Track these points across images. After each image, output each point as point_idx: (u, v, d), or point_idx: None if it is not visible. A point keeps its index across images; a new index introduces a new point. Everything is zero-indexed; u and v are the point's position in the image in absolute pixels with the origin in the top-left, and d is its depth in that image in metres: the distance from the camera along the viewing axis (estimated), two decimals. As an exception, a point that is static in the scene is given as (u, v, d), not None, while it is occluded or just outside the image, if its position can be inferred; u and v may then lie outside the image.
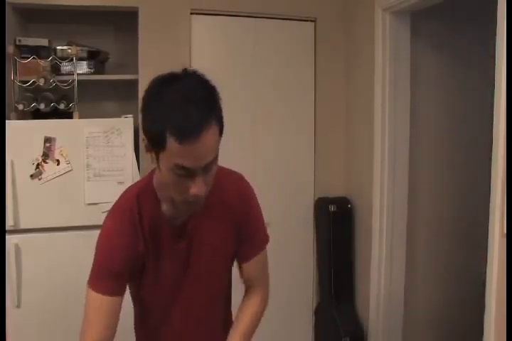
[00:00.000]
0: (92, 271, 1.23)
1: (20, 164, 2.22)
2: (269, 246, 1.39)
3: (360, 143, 2.92)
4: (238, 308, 1.37)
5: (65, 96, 2.56)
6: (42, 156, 2.25)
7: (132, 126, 2.36)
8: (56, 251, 2.28)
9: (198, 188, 1.07)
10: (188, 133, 0.99)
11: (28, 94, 2.57)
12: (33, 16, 2.84)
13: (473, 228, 2.78)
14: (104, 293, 1.19)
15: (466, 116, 2.87)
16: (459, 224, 2.89)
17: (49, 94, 2.57)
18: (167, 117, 1.01)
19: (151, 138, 1.06)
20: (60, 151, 2.27)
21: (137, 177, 2.34)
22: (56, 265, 2.28)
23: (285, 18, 2.95)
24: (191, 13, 2.80)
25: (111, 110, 2.97)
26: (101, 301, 1.19)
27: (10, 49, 2.43)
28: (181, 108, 1.00)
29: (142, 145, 1.13)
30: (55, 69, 2.60)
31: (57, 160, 2.27)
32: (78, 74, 2.56)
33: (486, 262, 1.75)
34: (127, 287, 1.28)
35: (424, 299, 2.87)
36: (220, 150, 1.11)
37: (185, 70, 1.11)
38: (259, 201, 1.37)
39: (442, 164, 2.87)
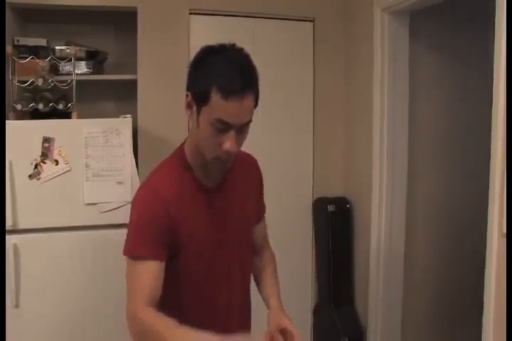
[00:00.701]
0: (129, 240, 1.30)
1: (18, 164, 2.21)
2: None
3: (359, 143, 2.92)
4: (258, 269, 1.54)
5: (64, 96, 2.56)
6: (41, 156, 2.24)
7: (131, 126, 2.36)
8: (55, 251, 2.27)
9: (230, 144, 1.21)
10: (233, 93, 1.16)
11: (27, 94, 2.57)
12: (31, 16, 2.84)
13: (471, 227, 2.78)
14: (153, 259, 1.24)
15: (466, 116, 2.87)
16: (457, 224, 2.89)
17: (48, 94, 2.57)
18: (214, 77, 1.17)
19: (196, 94, 1.22)
20: (59, 151, 2.26)
21: (136, 178, 2.34)
22: (55, 265, 2.27)
23: (284, 18, 2.96)
24: (190, 13, 2.80)
25: (110, 110, 2.97)
26: (146, 266, 1.24)
27: (8, 49, 2.42)
28: (228, 72, 1.18)
29: (185, 104, 1.27)
30: (54, 70, 2.60)
31: (56, 160, 2.26)
32: (77, 74, 2.56)
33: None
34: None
35: (423, 299, 2.88)
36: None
37: (233, 44, 1.30)
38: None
39: (441, 164, 2.87)
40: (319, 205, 2.98)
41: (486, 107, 1.77)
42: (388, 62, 2.61)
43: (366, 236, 2.78)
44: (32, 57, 2.48)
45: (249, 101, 1.21)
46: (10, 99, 2.46)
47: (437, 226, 2.88)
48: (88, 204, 2.30)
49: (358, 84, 2.92)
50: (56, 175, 2.26)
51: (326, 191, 3.02)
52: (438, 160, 2.87)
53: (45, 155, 2.25)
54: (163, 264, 1.27)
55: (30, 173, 2.23)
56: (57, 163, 2.26)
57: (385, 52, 2.60)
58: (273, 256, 1.60)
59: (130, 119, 2.37)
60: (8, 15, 2.54)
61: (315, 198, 3.03)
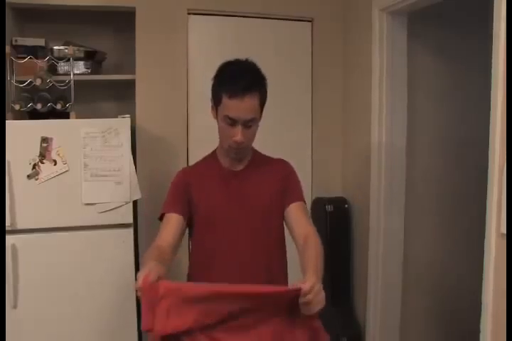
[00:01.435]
0: (164, 204, 1.67)
1: (17, 164, 2.21)
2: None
3: (357, 143, 2.92)
4: (300, 254, 1.55)
5: (62, 96, 2.56)
6: (39, 156, 2.24)
7: (129, 126, 2.36)
8: (53, 251, 2.27)
9: (237, 137, 1.54)
10: (235, 94, 1.49)
11: (25, 94, 2.57)
12: (29, 16, 2.84)
13: (471, 227, 2.78)
14: (173, 212, 1.61)
15: (465, 116, 2.87)
16: (456, 224, 2.89)
17: (46, 94, 2.57)
18: (225, 83, 1.54)
19: (214, 97, 1.58)
20: (57, 151, 2.26)
21: (134, 178, 2.34)
22: (53, 265, 2.27)
23: (282, 18, 2.96)
24: (188, 13, 2.80)
25: (108, 110, 2.97)
26: (170, 217, 1.61)
27: (7, 49, 2.42)
28: (235, 77, 1.52)
29: (211, 107, 1.63)
30: (52, 70, 2.59)
31: (54, 161, 2.26)
32: (75, 74, 2.55)
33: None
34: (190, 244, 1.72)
35: (421, 299, 2.88)
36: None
37: (246, 59, 1.61)
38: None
39: (440, 164, 2.87)
40: (318, 205, 2.98)
41: (484, 107, 1.77)
42: (386, 62, 2.61)
43: (365, 236, 2.79)
44: (30, 57, 2.48)
45: (250, 100, 1.51)
46: (8, 99, 2.45)
47: (436, 225, 2.88)
48: (86, 204, 2.30)
49: (356, 84, 2.92)
50: (54, 175, 2.26)
51: (325, 191, 3.02)
52: (436, 160, 2.87)
53: (43, 155, 2.25)
54: (181, 217, 1.60)
55: (28, 173, 2.23)
56: (55, 163, 2.26)
57: (384, 52, 2.60)
58: (316, 242, 1.58)
59: (128, 119, 2.37)
60: (7, 15, 2.53)
61: (313, 198, 3.02)
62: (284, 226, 1.73)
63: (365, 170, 2.76)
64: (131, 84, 2.76)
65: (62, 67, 2.63)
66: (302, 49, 3.01)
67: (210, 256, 1.67)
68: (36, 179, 2.24)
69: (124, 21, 2.81)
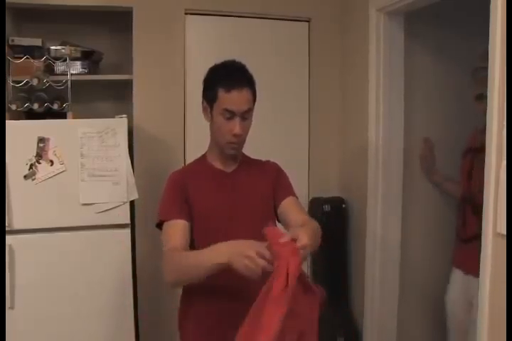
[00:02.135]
0: (161, 211, 1.66)
1: (13, 164, 2.21)
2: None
3: (354, 143, 2.92)
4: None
5: (59, 96, 2.55)
6: (35, 157, 2.24)
7: (126, 126, 2.35)
8: (50, 251, 2.27)
9: (237, 128, 1.58)
10: (232, 86, 1.55)
11: (22, 94, 2.56)
12: (26, 16, 2.83)
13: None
14: (176, 218, 1.60)
15: (463, 117, 2.87)
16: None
17: (43, 94, 2.56)
18: (219, 80, 1.59)
19: (208, 96, 1.62)
20: (54, 152, 2.26)
21: (131, 178, 2.34)
22: (50, 266, 2.27)
23: (279, 18, 2.95)
24: (186, 13, 2.80)
25: (105, 110, 2.96)
26: (175, 223, 1.60)
27: (3, 49, 2.42)
28: (228, 74, 1.59)
29: (202, 109, 1.67)
30: (49, 70, 2.59)
31: (51, 161, 2.26)
32: (72, 74, 2.55)
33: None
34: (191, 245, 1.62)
35: (419, 299, 2.88)
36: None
37: (234, 60, 1.65)
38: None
39: (437, 165, 2.87)
40: (315, 205, 2.98)
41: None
42: (384, 62, 2.61)
43: (362, 235, 2.79)
44: (27, 57, 2.47)
45: (245, 93, 1.58)
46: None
47: (433, 225, 2.88)
48: (84, 204, 2.29)
49: (353, 84, 2.92)
50: (51, 175, 2.26)
51: (322, 191, 3.03)
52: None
53: (39, 155, 2.24)
54: (188, 224, 1.60)
55: (25, 174, 2.23)
56: (52, 163, 2.26)
57: (381, 52, 2.61)
58: (315, 224, 1.60)
59: (125, 119, 2.37)
60: (3, 15, 2.53)
61: (311, 198, 3.03)
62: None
63: (363, 169, 2.76)
64: (128, 84, 2.75)
65: (59, 67, 2.61)
66: (299, 49, 3.01)
67: None
68: (33, 179, 2.24)
69: (121, 21, 2.80)
